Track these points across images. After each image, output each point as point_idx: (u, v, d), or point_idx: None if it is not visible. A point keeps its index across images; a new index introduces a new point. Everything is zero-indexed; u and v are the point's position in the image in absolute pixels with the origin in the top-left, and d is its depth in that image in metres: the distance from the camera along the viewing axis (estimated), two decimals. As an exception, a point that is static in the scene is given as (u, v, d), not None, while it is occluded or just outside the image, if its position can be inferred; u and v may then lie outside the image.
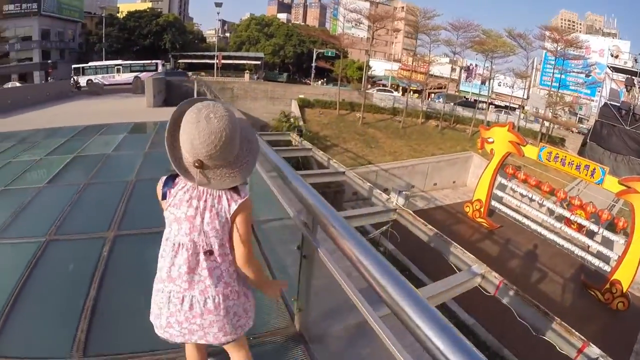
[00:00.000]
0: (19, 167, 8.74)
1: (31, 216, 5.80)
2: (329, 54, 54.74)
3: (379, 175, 27.80)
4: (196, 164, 1.56)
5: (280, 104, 35.81)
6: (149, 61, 47.91)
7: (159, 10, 74.43)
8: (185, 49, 63.51)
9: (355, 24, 53.41)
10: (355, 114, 36.75)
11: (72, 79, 43.60)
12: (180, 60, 61.23)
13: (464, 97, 50.04)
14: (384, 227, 10.03)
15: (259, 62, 60.64)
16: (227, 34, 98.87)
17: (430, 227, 7.92)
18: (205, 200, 1.67)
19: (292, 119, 30.77)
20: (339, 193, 23.59)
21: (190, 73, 48.19)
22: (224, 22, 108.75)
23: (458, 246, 7.09)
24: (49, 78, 51.90)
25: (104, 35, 59.31)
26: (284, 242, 4.19)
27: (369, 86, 49.19)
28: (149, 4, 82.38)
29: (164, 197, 1.71)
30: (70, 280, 3.89)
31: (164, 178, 1.73)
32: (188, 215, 1.67)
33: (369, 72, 47.87)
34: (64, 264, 4.23)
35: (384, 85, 54.62)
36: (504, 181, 21.74)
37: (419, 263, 16.38)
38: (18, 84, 42.48)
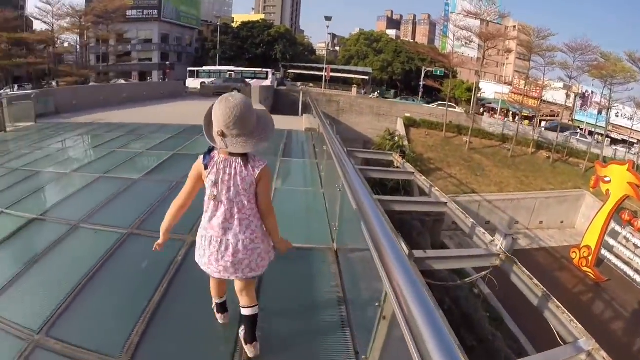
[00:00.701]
0: (121, 157, 9.14)
1: (119, 206, 5.93)
2: (438, 73, 53.11)
3: (482, 206, 26.19)
4: (219, 133, 2.13)
5: (386, 121, 34.73)
6: (259, 69, 49.11)
7: (272, 21, 77.43)
8: (296, 60, 65.17)
9: (466, 43, 51.31)
10: (462, 137, 34.59)
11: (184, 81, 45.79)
12: (290, 71, 63.11)
13: (577, 127, 45.76)
14: (483, 273, 8.84)
15: (366, 77, 60.78)
16: (337, 48, 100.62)
17: (537, 282, 7.15)
18: (235, 168, 2.24)
19: (396, 138, 29.14)
20: (438, 222, 22.32)
21: (299, 84, 49.23)
22: (334, 36, 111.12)
23: (565, 311, 6.38)
24: (166, 78, 55.78)
25: (218, 43, 62.25)
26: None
27: (481, 109, 47.13)
28: (262, 16, 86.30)
29: (205, 167, 2.25)
30: (139, 278, 3.84)
31: (201, 156, 2.28)
32: (224, 179, 2.24)
33: (478, 94, 45.58)
34: (138, 260, 4.17)
35: (488, 105, 52.01)
36: (617, 228, 19.44)
37: (516, 314, 14.20)
38: (122, 81, 46.06)
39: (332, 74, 57.15)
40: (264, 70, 48.58)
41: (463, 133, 34.85)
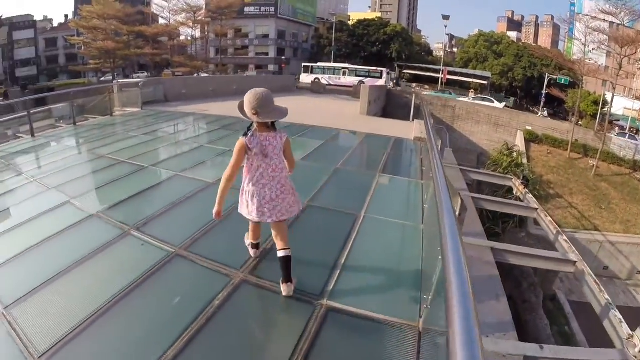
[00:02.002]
0: (205, 155, 8.94)
1: (178, 216, 5.48)
2: (563, 81, 47.63)
3: (603, 247, 21.83)
4: (253, 112, 3.05)
5: (504, 133, 30.70)
6: (374, 68, 47.81)
7: (388, 20, 75.86)
8: (411, 60, 63.32)
9: (597, 47, 44.46)
10: (588, 160, 28.32)
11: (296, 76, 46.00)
12: (405, 71, 61.14)
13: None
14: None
15: (485, 82, 56.93)
16: (455, 50, 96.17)
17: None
18: (269, 140, 3.17)
19: (514, 154, 26.08)
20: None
21: (414, 85, 47.34)
22: (451, 37, 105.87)
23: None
24: (282, 72, 57.59)
25: (333, 40, 62.34)
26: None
27: (613, 128, 39.67)
28: (379, 14, 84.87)
29: (249, 143, 3.11)
30: (169, 313, 3.44)
31: (242, 137, 3.14)
32: (264, 149, 3.14)
33: (605, 109, 38.80)
34: (175, 289, 3.77)
35: (616, 122, 42.89)
36: None
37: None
38: (204, 75, 46.98)
39: (448, 77, 54.89)
40: (379, 69, 47.19)
41: (589, 155, 28.71)
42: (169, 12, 55.11)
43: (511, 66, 60.12)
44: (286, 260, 3.29)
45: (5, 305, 3.50)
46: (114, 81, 21.65)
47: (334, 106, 23.15)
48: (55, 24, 73.46)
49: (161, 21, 58.45)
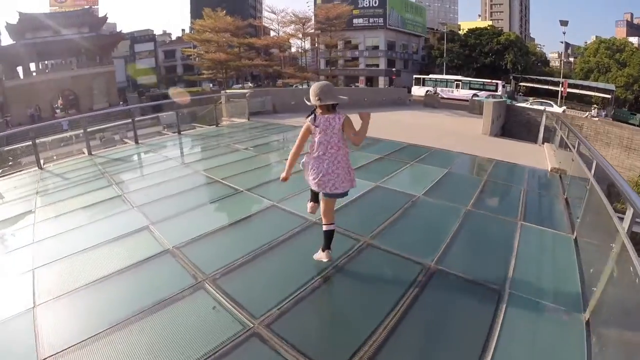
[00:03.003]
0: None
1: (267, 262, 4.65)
2: None
3: None
4: (316, 98, 3.63)
5: (638, 158, 26.26)
6: (489, 80, 46.16)
7: (500, 28, 73.38)
8: (527, 71, 59.99)
9: None
10: None
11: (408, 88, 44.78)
12: (521, 83, 57.60)
13: None
14: None
15: (608, 96, 50.49)
16: (571, 59, 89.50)
17: None
18: (329, 121, 3.71)
19: None
20: None
21: (530, 99, 44.59)
22: (567, 45, 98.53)
23: None
24: (392, 84, 56.98)
25: (445, 50, 60.92)
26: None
27: None
28: (489, 22, 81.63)
29: (315, 122, 3.72)
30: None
31: (308, 118, 3.78)
32: (326, 129, 3.71)
33: None
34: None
35: None
36: None
37: None
38: (246, 90, 46.67)
39: (568, 90, 50.22)
40: (494, 81, 45.55)
41: None
42: (278, 24, 56.81)
43: (637, 77, 54.12)
44: (328, 234, 4.07)
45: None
46: (222, 91, 22.33)
47: (451, 123, 21.50)
48: (173, 37, 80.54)
49: (271, 33, 60.33)
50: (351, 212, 5.99)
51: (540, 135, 14.68)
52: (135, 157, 11.28)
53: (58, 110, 52.07)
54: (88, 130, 12.45)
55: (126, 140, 14.35)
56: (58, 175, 9.80)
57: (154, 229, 5.47)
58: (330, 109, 3.75)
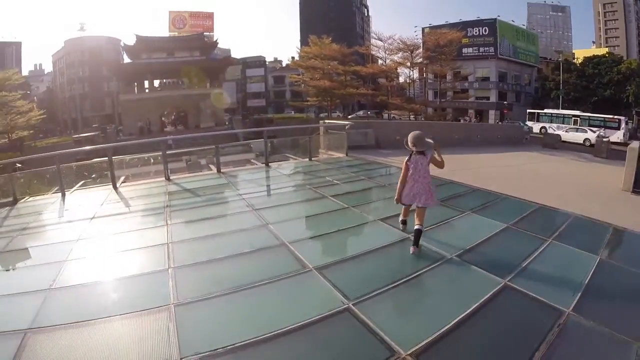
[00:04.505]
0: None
1: None
2: None
3: None
4: (412, 144, 5.29)
5: None
6: (610, 116, 41.43)
7: (620, 56, 66.40)
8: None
9: None
10: None
11: (525, 126, 41.39)
12: None
13: None
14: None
15: None
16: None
17: None
18: (419, 159, 5.37)
19: None
20: None
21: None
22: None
23: None
24: (504, 119, 54.42)
25: (561, 82, 57.08)
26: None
27: None
28: (606, 49, 75.13)
29: (409, 162, 5.45)
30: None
31: (406, 158, 5.55)
32: (417, 165, 5.38)
33: None
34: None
35: None
36: None
37: None
38: (346, 122, 43.62)
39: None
40: (616, 117, 40.97)
41: None
42: (385, 52, 56.40)
43: None
44: (418, 233, 5.41)
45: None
46: (321, 121, 21.25)
47: (578, 172, 16.44)
48: (284, 64, 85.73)
49: (379, 62, 60.01)
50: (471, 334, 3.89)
51: None
52: (207, 191, 10.15)
53: (168, 126, 55.48)
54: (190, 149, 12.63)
55: (212, 166, 13.70)
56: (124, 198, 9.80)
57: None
58: (421, 152, 5.39)
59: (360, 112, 62.34)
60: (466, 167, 13.58)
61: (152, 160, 14.73)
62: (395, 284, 4.66)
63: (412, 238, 5.51)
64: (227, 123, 56.92)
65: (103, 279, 5.10)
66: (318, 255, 5.76)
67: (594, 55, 63.38)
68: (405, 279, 4.78)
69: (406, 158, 5.54)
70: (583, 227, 7.18)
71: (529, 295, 4.43)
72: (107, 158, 11.03)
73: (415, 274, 4.94)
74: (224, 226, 7.24)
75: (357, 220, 7.30)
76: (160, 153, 11.97)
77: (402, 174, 5.57)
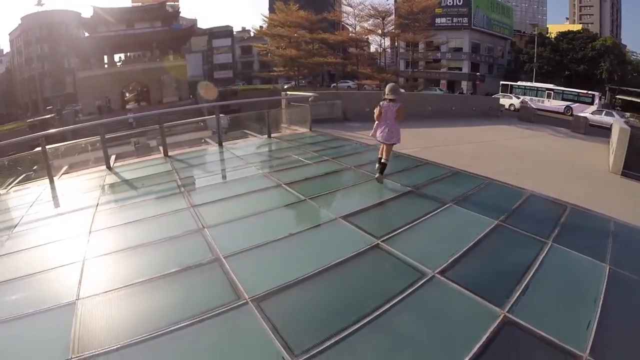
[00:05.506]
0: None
1: None
2: None
3: None
4: (385, 96, 6.65)
5: None
6: (584, 91, 41.48)
7: (595, 33, 66.53)
8: (624, 82, 53.77)
9: None
10: None
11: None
12: (618, 96, 50.84)
13: None
14: None
15: None
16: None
17: None
18: (390, 106, 6.58)
19: None
20: None
21: (627, 114, 38.22)
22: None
23: None
24: (476, 90, 54.58)
25: (535, 55, 56.35)
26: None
27: None
28: (579, 26, 74.93)
29: (382, 106, 6.62)
30: None
31: (380, 104, 6.71)
32: (388, 110, 6.59)
33: None
34: None
35: None
36: None
37: None
38: (309, 93, 42.42)
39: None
40: (590, 92, 40.93)
41: None
42: (355, 18, 53.84)
43: None
44: (384, 165, 6.80)
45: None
46: (282, 93, 18.99)
47: (560, 151, 14.21)
48: (252, 34, 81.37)
49: (349, 30, 57.94)
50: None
51: None
52: (146, 182, 8.49)
53: (130, 103, 52.89)
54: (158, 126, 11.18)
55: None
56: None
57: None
58: (392, 99, 6.55)
59: (350, 83, 58.66)
60: (443, 144, 12.46)
61: (97, 145, 12.26)
62: (361, 325, 3.31)
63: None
64: (191, 97, 54.29)
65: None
66: (257, 279, 4.06)
67: (569, 30, 63.26)
68: (373, 317, 3.39)
69: (380, 104, 6.68)
70: (582, 223, 5.99)
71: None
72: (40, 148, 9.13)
73: (387, 306, 3.53)
74: (149, 234, 5.43)
75: (315, 219, 5.76)
76: (99, 137, 10.31)
77: (376, 114, 6.72)
